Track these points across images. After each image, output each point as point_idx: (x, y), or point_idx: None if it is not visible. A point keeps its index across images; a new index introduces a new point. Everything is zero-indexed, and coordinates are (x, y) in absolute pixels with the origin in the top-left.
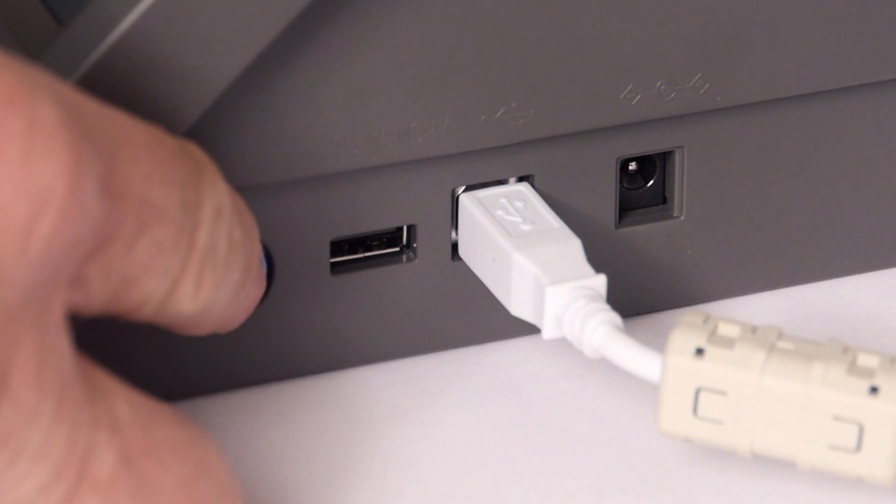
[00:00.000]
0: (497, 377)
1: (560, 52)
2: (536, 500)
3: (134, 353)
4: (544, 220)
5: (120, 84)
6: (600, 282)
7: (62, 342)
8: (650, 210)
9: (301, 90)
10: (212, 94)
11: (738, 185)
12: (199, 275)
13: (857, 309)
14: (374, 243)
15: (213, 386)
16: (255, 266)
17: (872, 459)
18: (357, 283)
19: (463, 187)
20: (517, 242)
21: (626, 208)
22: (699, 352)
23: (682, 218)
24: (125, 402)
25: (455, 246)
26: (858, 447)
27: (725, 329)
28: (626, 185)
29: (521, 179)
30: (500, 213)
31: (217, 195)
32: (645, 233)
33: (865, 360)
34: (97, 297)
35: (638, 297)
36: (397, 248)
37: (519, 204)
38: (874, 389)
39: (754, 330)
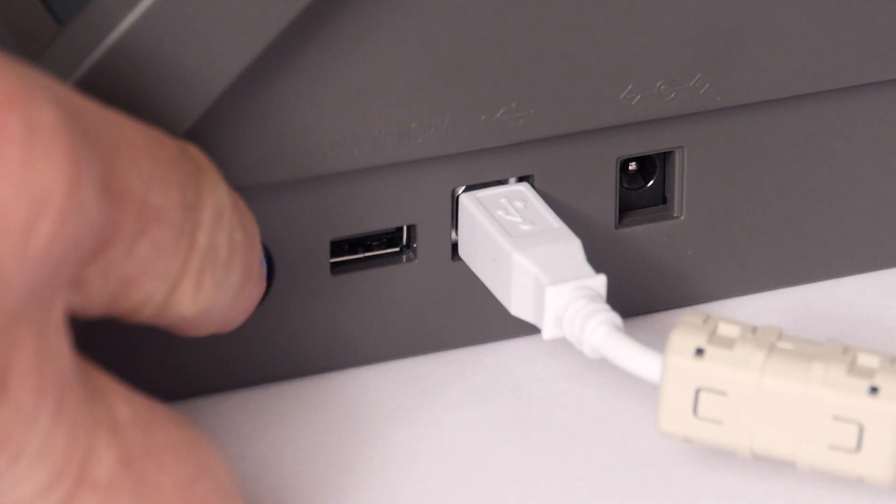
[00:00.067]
0: (497, 377)
1: (560, 52)
2: (536, 500)
3: (133, 354)
4: (544, 220)
5: (119, 84)
6: (600, 282)
7: (62, 344)
8: (650, 210)
9: (301, 90)
10: (212, 94)
11: (738, 185)
12: (200, 276)
13: (857, 309)
14: (374, 243)
15: (213, 386)
16: (255, 267)
17: (872, 459)
18: (357, 283)
19: (463, 187)
20: (517, 242)
21: (626, 208)
22: (699, 352)
23: (682, 218)
24: (125, 403)
25: (455, 246)
26: (858, 447)
27: (725, 329)
28: (626, 185)
29: (521, 179)
30: (500, 213)
31: (217, 197)
32: (645, 233)
33: (865, 360)
34: (97, 299)
35: (638, 297)
36: (397, 248)
37: (519, 204)
38: (874, 389)
39: (754, 330)
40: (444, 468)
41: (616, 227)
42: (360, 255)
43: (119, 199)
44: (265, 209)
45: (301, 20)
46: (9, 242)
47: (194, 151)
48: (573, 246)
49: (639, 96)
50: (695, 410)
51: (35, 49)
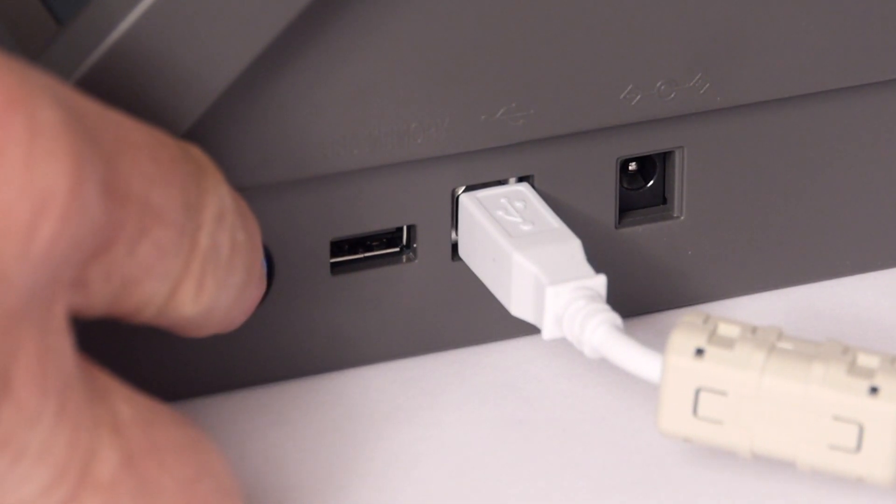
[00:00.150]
0: (497, 377)
1: (560, 52)
2: (536, 500)
3: (134, 354)
4: (544, 221)
5: (120, 84)
6: (600, 282)
7: (64, 344)
8: (650, 210)
9: (301, 90)
10: (212, 94)
11: (738, 185)
12: (201, 277)
13: (857, 309)
14: (374, 243)
15: (213, 386)
16: (257, 268)
17: (872, 459)
18: (357, 283)
19: (463, 187)
20: (517, 242)
21: (626, 208)
22: (699, 352)
23: (682, 218)
24: (127, 403)
25: (455, 246)
26: (858, 447)
27: (725, 329)
28: (626, 185)
29: (521, 179)
30: (500, 213)
31: (219, 198)
32: (645, 233)
33: (865, 360)
34: (98, 299)
35: (638, 297)
36: (397, 249)
37: (519, 204)
38: (874, 389)
39: (754, 330)
40: (445, 468)
41: (616, 227)
42: (360, 255)
43: (121, 200)
44: (265, 209)
45: (301, 20)
46: (11, 242)
47: (196, 152)
48: (573, 246)
49: (639, 96)
50: (695, 410)
51: (35, 49)
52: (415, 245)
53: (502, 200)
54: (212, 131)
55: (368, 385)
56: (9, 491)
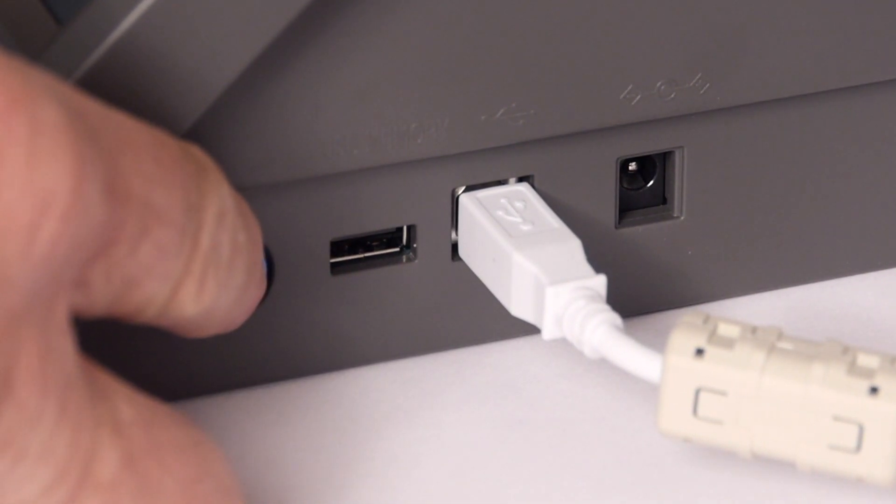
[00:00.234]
0: (497, 377)
1: (560, 52)
2: (536, 500)
3: (135, 355)
4: (544, 221)
5: (120, 84)
6: (600, 282)
7: (65, 344)
8: (650, 210)
9: (301, 90)
10: (212, 94)
11: (738, 185)
12: (202, 277)
13: (857, 309)
14: (374, 243)
15: (213, 386)
16: (258, 268)
17: (872, 459)
18: (357, 283)
19: (463, 187)
20: (517, 243)
21: (626, 208)
22: (699, 352)
23: (682, 218)
24: (127, 403)
25: (455, 246)
26: (858, 447)
27: (725, 329)
28: (626, 185)
29: (521, 179)
30: (500, 213)
31: (220, 198)
32: (645, 233)
33: (865, 360)
34: (100, 300)
35: (638, 297)
36: (397, 249)
37: (519, 204)
38: (874, 390)
39: (754, 330)
40: (444, 468)
41: (616, 227)
42: (360, 256)
43: (122, 200)
44: (265, 209)
45: (301, 20)
46: (13, 242)
47: (197, 152)
48: (573, 246)
49: (639, 96)
50: (695, 410)
51: (35, 49)
52: (415, 245)
53: (502, 200)
54: (212, 131)
55: (368, 385)
56: (10, 491)
